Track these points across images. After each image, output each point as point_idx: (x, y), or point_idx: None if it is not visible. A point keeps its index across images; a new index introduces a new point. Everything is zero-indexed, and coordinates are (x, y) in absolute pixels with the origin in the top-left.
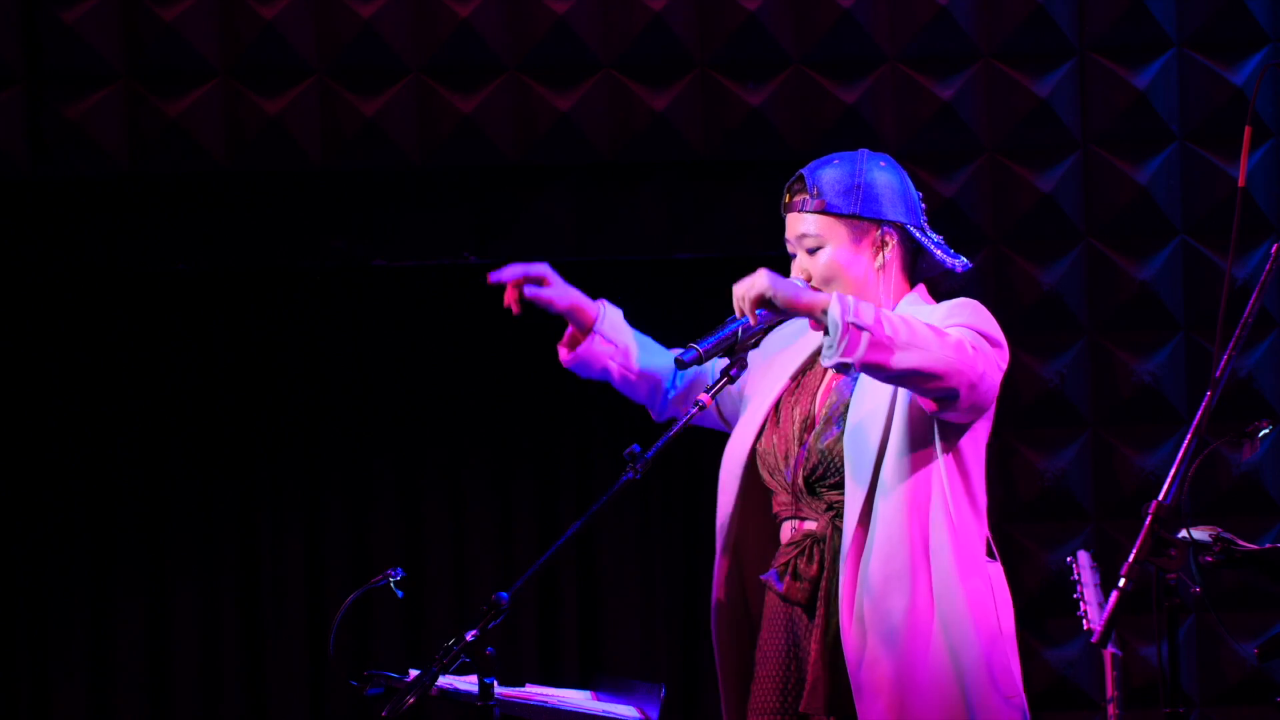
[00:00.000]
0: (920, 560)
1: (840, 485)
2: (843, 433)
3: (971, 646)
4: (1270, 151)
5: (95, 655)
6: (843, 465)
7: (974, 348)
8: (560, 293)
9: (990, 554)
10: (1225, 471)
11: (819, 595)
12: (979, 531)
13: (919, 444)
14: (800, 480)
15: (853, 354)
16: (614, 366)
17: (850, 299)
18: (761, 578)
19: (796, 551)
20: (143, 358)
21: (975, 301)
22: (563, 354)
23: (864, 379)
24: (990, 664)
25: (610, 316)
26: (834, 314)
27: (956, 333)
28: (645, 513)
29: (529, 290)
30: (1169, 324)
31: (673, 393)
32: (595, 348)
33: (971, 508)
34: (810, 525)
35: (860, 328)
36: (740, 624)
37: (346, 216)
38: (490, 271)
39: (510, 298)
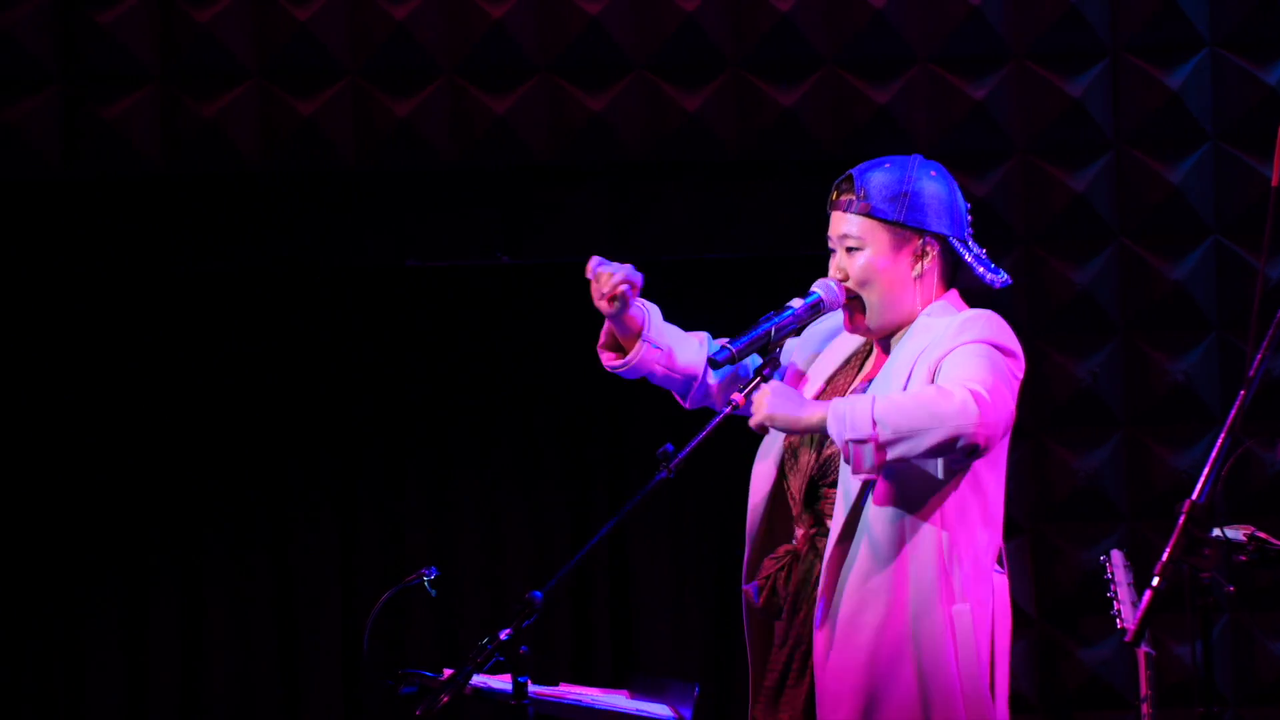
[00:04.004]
0: (902, 577)
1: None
2: None
3: (943, 671)
4: None
5: (129, 656)
6: (834, 474)
7: (979, 399)
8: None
9: (999, 564)
10: (1259, 471)
11: (799, 610)
12: (990, 543)
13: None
14: (801, 492)
15: (863, 468)
16: (659, 370)
17: (845, 411)
18: (743, 587)
19: (777, 567)
20: (176, 359)
21: (990, 313)
22: (609, 359)
23: (872, 391)
24: (959, 692)
25: (655, 321)
26: (834, 435)
27: (960, 387)
28: (678, 511)
29: (620, 286)
30: (1202, 323)
31: (708, 384)
32: (646, 355)
33: (983, 520)
34: (791, 543)
35: (860, 441)
36: (768, 622)
37: (380, 217)
38: (521, 265)
39: (610, 295)
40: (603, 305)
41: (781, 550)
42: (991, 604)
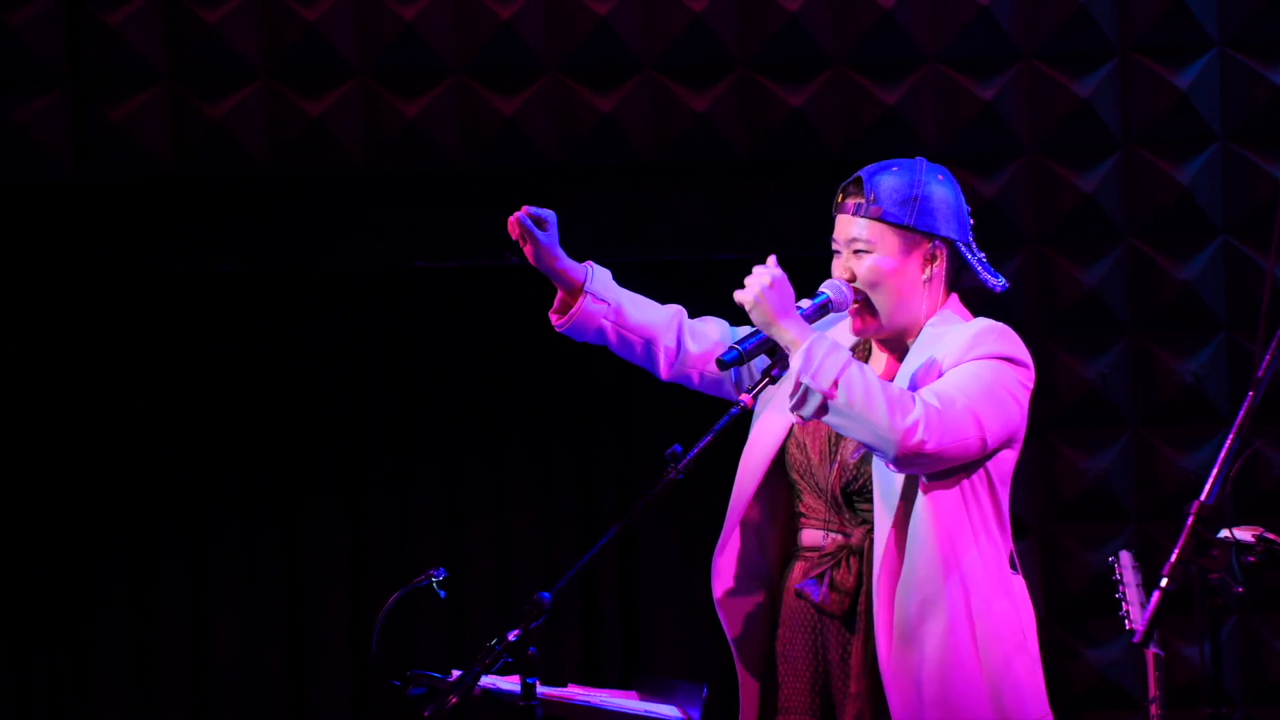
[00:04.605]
0: (954, 582)
1: (872, 499)
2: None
3: (1006, 668)
4: None
5: (138, 657)
6: (871, 483)
7: (930, 419)
8: (549, 243)
9: (1013, 567)
10: (1268, 471)
11: (857, 609)
12: (1005, 547)
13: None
14: (838, 492)
15: (800, 410)
16: (608, 325)
17: (820, 352)
18: (796, 587)
19: (832, 562)
20: (184, 360)
21: (1001, 326)
22: (555, 320)
23: None
24: (1021, 684)
25: (599, 275)
26: (793, 365)
27: (924, 406)
28: (687, 512)
29: (520, 215)
30: (1211, 324)
31: (688, 350)
32: (588, 307)
33: (998, 524)
34: (847, 539)
35: (812, 389)
36: (757, 616)
37: (388, 218)
38: (529, 266)
39: (512, 221)
40: (512, 230)
41: (832, 545)
42: (1019, 604)
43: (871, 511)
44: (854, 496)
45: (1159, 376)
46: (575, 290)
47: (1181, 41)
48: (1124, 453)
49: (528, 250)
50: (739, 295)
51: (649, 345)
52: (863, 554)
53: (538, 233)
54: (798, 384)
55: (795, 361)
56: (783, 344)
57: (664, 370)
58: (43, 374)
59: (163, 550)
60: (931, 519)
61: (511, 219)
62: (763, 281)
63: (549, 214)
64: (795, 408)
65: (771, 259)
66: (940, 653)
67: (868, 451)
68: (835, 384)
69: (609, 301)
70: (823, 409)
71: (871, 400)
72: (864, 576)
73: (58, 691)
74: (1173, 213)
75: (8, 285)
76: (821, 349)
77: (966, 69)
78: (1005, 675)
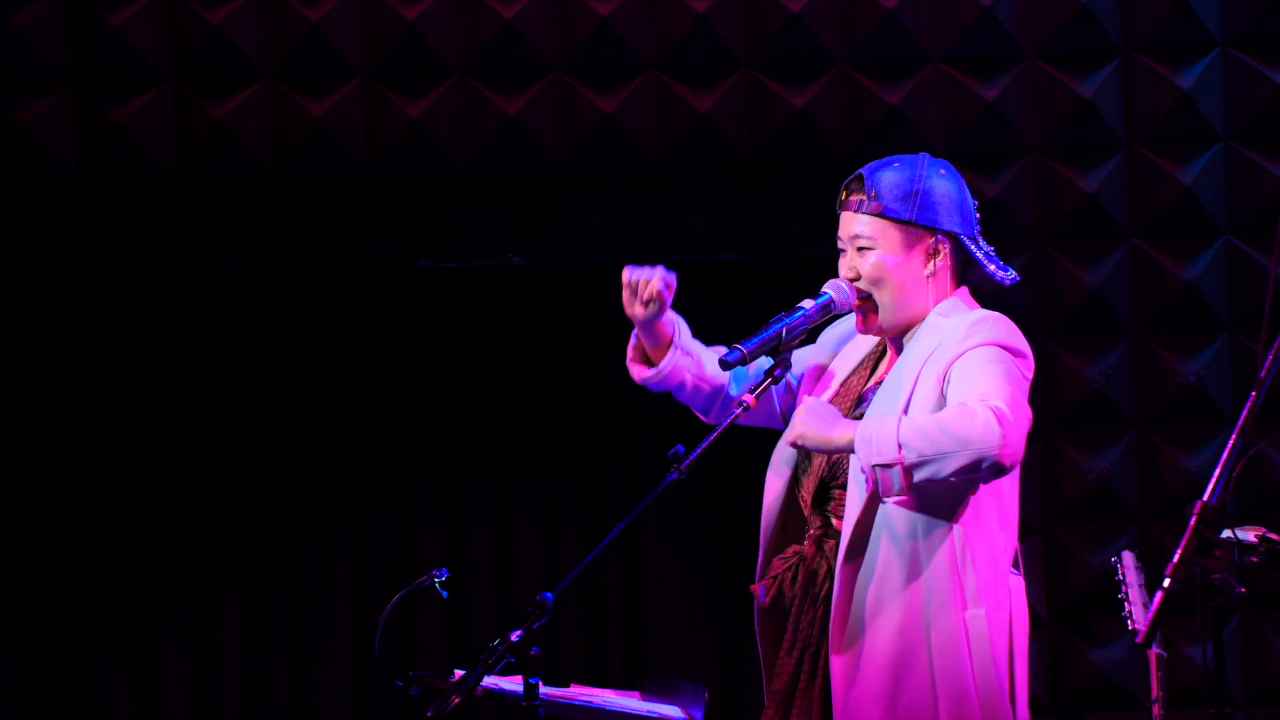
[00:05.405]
0: (915, 581)
1: (841, 499)
2: None
3: (956, 675)
4: None
5: (142, 658)
6: (842, 478)
7: (1002, 419)
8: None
9: (1015, 565)
10: (1270, 472)
11: (794, 610)
12: (1006, 543)
13: None
14: (811, 495)
15: (890, 492)
16: (689, 379)
17: (871, 434)
18: (750, 587)
19: (785, 567)
20: (188, 360)
21: (998, 315)
22: (638, 371)
23: (881, 393)
24: (975, 696)
25: (684, 329)
26: (860, 458)
27: (984, 407)
28: (689, 513)
29: (661, 287)
30: (1214, 324)
31: (730, 395)
32: (679, 362)
33: (999, 522)
34: (800, 545)
35: (886, 466)
36: (779, 624)
37: (391, 218)
38: (533, 266)
39: (647, 299)
40: (638, 310)
41: (790, 551)
42: (1009, 606)
43: (839, 510)
44: (824, 500)
45: (1162, 377)
46: (663, 344)
47: (1184, 41)
48: (1126, 453)
49: (637, 312)
50: (788, 439)
51: (715, 394)
52: (806, 560)
53: (666, 307)
54: (870, 474)
55: (859, 453)
56: (846, 452)
57: (716, 417)
58: (45, 374)
59: (165, 550)
60: (901, 515)
61: (644, 299)
62: (800, 415)
63: (662, 272)
64: (885, 494)
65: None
66: (891, 648)
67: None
68: (898, 446)
69: (693, 355)
70: (906, 472)
71: (936, 436)
72: (808, 581)
73: (61, 692)
74: (1176, 213)
75: (10, 285)
76: (869, 428)
77: (969, 69)
78: (958, 684)
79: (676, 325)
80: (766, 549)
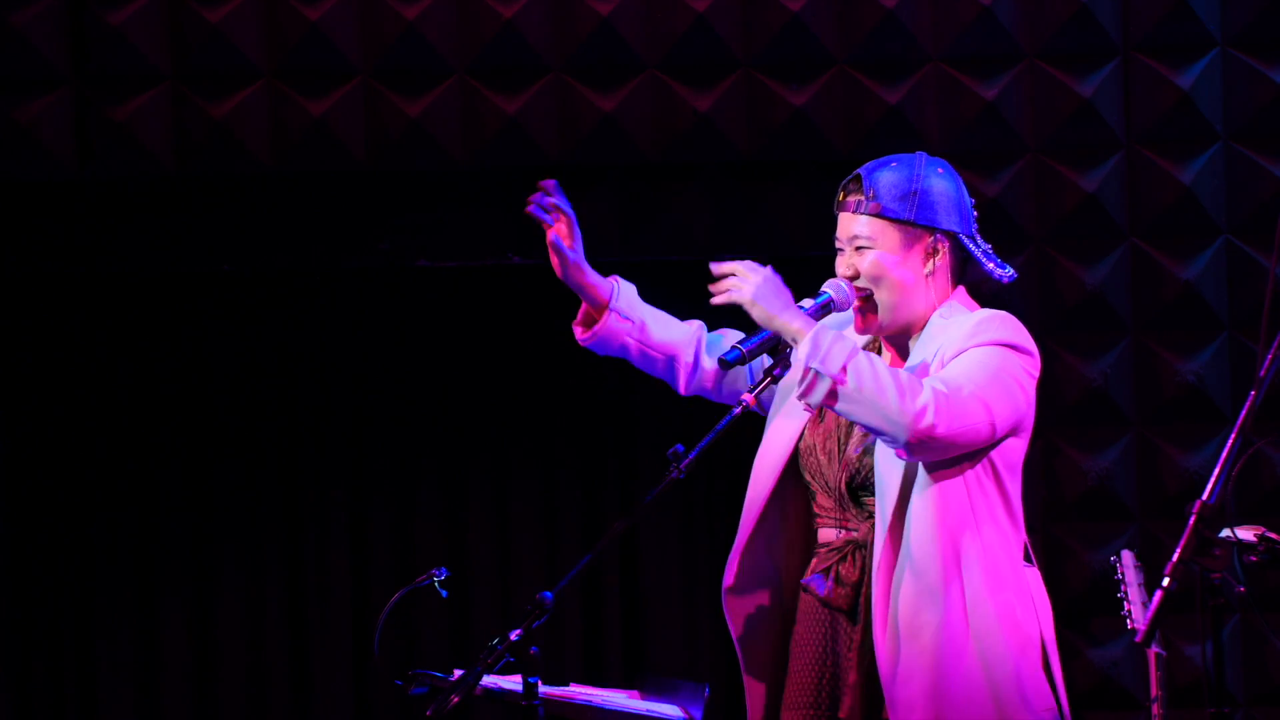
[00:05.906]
0: (953, 573)
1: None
2: (875, 443)
3: (1004, 660)
4: None
5: (141, 657)
6: (874, 476)
7: (938, 405)
8: (577, 259)
9: (1027, 559)
10: (1270, 471)
11: (859, 602)
12: (1016, 538)
13: (949, 458)
14: (844, 487)
15: (808, 398)
16: (631, 343)
17: (826, 340)
18: (803, 581)
19: (838, 557)
20: (188, 359)
21: (1004, 314)
22: (579, 333)
23: None
24: (1022, 677)
25: (625, 292)
26: (800, 353)
27: (930, 391)
28: (688, 511)
29: (552, 235)
30: (1213, 323)
31: (702, 368)
32: (612, 324)
33: (1008, 515)
34: (853, 533)
35: (821, 374)
36: (760, 617)
37: (390, 217)
38: (533, 266)
39: (546, 218)
40: (554, 258)
41: (840, 540)
42: (1032, 596)
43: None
44: (859, 491)
45: (1161, 376)
46: (601, 306)
47: (1184, 41)
48: (1126, 452)
49: (555, 263)
50: (732, 294)
51: (670, 362)
52: (868, 547)
53: (566, 251)
54: (806, 370)
55: (802, 349)
56: (787, 336)
57: (682, 386)
58: (45, 374)
59: (165, 549)
60: (932, 511)
61: (549, 227)
62: (754, 279)
63: (568, 209)
64: (803, 395)
65: (748, 262)
66: (936, 644)
67: (869, 445)
68: (844, 369)
69: (633, 319)
70: (832, 395)
71: (880, 385)
72: (865, 570)
73: (61, 691)
74: (1175, 212)
75: (10, 284)
76: (828, 337)
77: (969, 68)
78: (1005, 668)
79: (616, 289)
80: (744, 546)
